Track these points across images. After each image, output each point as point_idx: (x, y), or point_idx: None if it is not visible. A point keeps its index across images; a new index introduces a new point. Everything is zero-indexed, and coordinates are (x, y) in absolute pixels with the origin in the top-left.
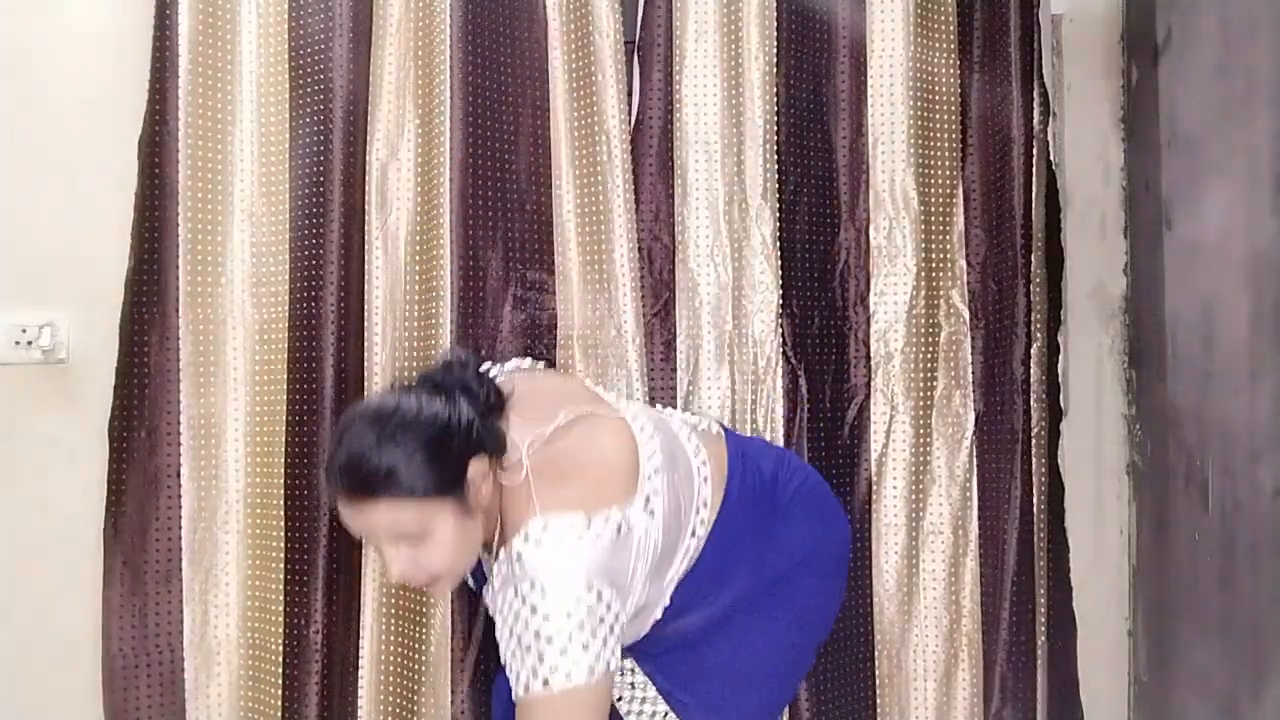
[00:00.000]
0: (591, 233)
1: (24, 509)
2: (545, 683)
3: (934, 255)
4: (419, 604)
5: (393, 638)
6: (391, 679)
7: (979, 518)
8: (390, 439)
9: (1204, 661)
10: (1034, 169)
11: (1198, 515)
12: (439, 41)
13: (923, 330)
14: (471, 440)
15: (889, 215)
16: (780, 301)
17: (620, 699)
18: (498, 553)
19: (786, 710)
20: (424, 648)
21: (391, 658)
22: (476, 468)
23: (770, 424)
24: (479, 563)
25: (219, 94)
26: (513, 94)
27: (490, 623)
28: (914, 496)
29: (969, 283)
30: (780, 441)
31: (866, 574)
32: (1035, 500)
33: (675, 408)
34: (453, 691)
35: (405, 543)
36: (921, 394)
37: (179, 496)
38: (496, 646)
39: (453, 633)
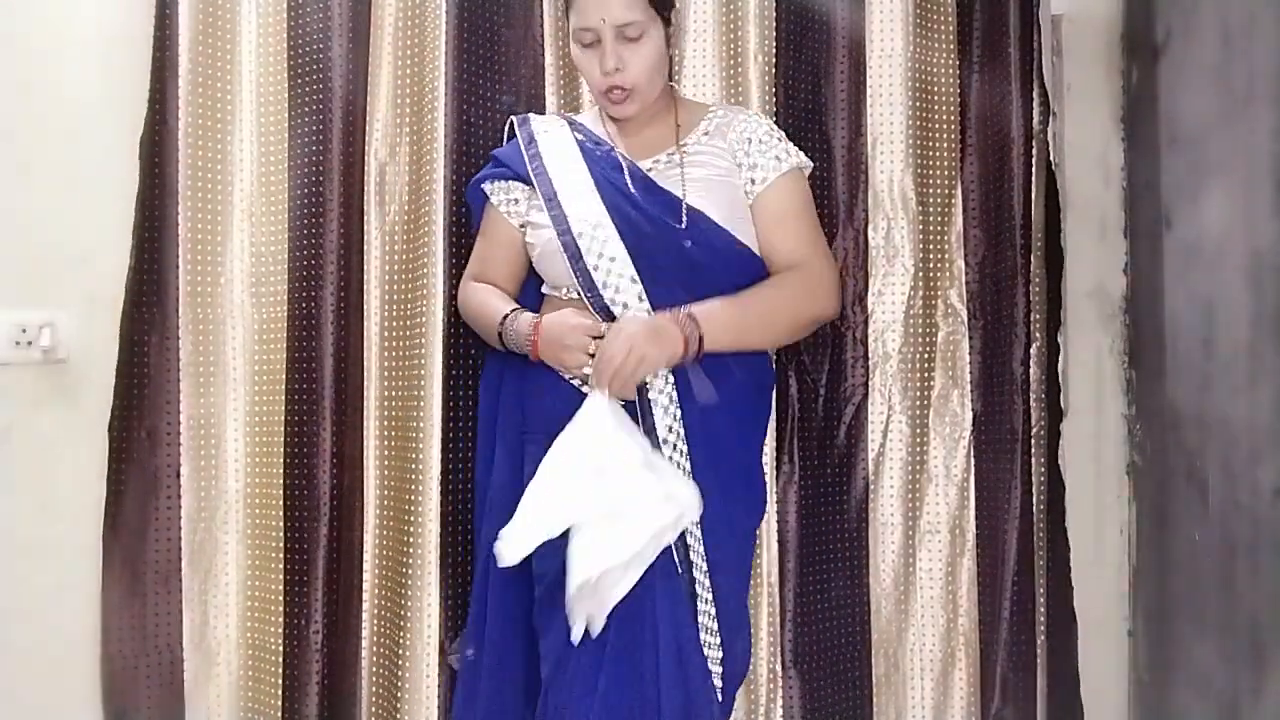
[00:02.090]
0: None
1: (24, 509)
2: (798, 167)
3: (932, 255)
4: (411, 601)
5: (388, 638)
6: (390, 678)
7: (976, 517)
8: None
9: (1204, 661)
10: (1033, 169)
11: (1198, 515)
12: (432, 39)
13: (921, 330)
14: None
15: (887, 215)
16: None
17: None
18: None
19: (781, 708)
20: (413, 644)
21: (390, 657)
22: (670, 31)
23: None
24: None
25: (219, 94)
26: (506, 92)
27: None
28: (911, 496)
29: (967, 283)
30: (775, 441)
31: (863, 573)
32: (1035, 500)
33: None
34: (439, 690)
35: (622, 41)
36: (919, 394)
37: (179, 496)
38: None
39: (442, 629)
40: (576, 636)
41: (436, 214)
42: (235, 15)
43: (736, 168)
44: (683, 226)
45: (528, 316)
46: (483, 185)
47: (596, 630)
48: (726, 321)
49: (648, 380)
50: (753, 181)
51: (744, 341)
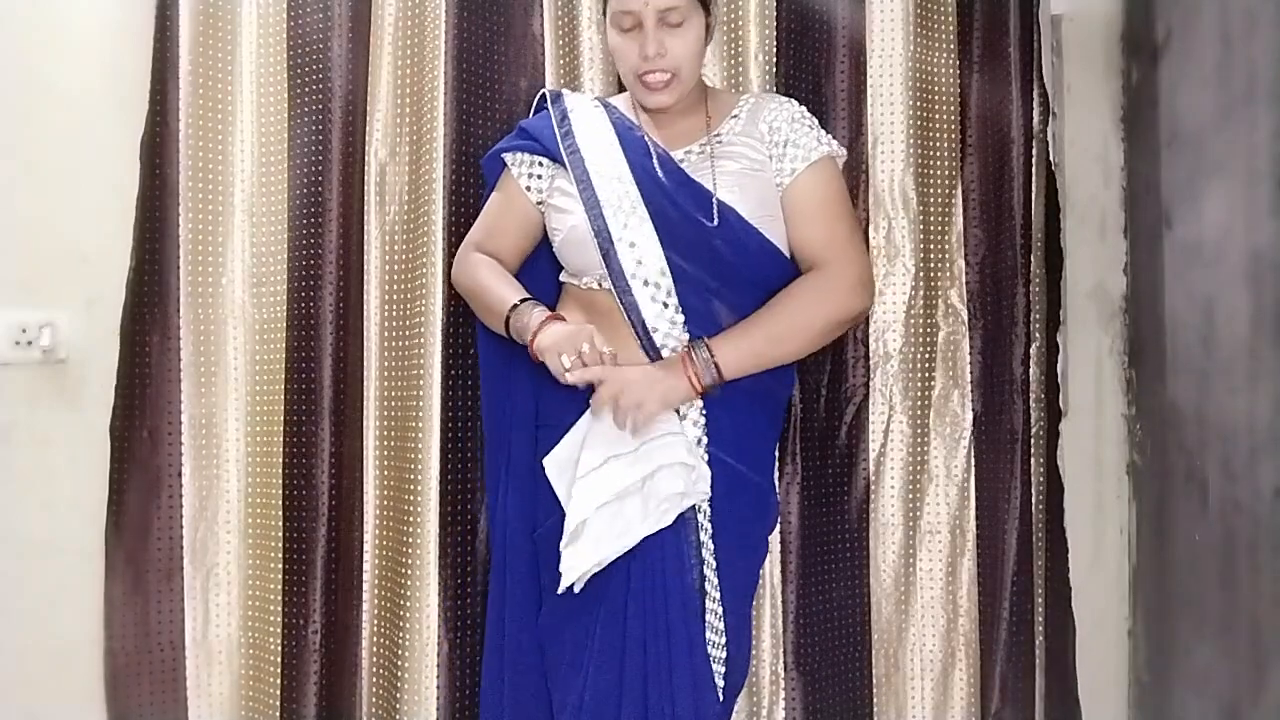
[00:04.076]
0: None
1: (24, 509)
2: (831, 154)
3: (933, 255)
4: (410, 601)
5: (388, 639)
6: (390, 679)
7: (977, 518)
8: None
9: (1204, 661)
10: (1034, 169)
11: (1198, 515)
12: (432, 36)
13: (921, 330)
14: None
15: (888, 215)
16: None
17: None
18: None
19: (784, 708)
20: (412, 644)
21: (389, 658)
22: (710, 21)
23: None
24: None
25: (219, 94)
26: (506, 92)
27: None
28: (911, 496)
29: (968, 282)
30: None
31: (864, 573)
32: (1034, 500)
33: None
34: (437, 689)
35: (665, 28)
36: (919, 394)
37: (180, 495)
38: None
39: (441, 629)
40: (563, 587)
41: (436, 214)
42: (235, 15)
43: (768, 159)
44: (714, 224)
45: (537, 315)
46: (503, 155)
47: (579, 586)
48: (743, 357)
49: None
50: (782, 173)
51: (768, 362)
